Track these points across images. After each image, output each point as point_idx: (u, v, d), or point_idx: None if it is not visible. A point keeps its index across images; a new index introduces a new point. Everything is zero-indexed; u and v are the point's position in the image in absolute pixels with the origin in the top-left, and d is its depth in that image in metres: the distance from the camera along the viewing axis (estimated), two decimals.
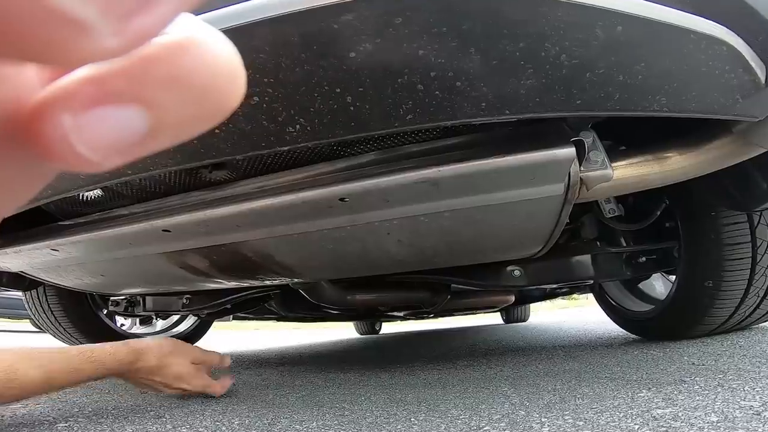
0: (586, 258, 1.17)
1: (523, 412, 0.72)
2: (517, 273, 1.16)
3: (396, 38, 0.40)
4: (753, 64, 0.47)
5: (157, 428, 0.76)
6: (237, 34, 0.40)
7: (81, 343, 1.36)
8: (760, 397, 0.67)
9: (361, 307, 1.35)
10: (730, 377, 0.83)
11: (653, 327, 1.39)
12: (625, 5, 0.38)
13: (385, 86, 0.45)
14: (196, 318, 2.15)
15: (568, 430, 0.61)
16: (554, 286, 1.67)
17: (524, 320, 4.24)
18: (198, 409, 0.91)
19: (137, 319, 2.15)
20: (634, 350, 1.29)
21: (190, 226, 0.71)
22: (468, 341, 2.52)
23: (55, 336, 1.81)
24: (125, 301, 1.63)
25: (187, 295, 1.46)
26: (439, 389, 0.99)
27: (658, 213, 1.13)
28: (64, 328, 1.72)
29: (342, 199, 0.62)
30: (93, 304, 1.75)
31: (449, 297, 1.40)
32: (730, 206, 0.97)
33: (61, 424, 0.82)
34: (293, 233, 0.74)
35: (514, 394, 0.87)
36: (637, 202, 1.17)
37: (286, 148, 0.51)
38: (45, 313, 1.69)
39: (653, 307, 1.40)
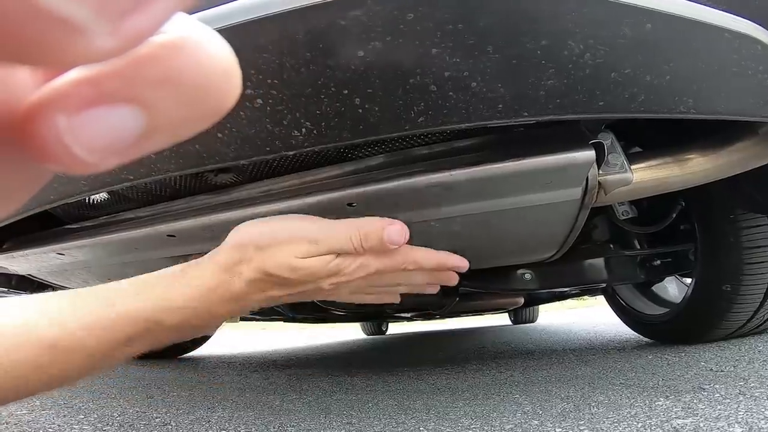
0: (599, 261, 1.15)
1: (536, 422, 0.70)
2: (527, 276, 1.13)
3: (408, 36, 0.38)
4: None
5: None
6: (238, 32, 0.38)
7: None
8: None
9: (368, 308, 1.33)
10: (752, 384, 0.80)
11: (667, 330, 1.37)
12: (657, 2, 0.35)
13: (396, 87, 0.42)
14: None
15: None
16: (565, 289, 1.64)
17: (533, 321, 4.20)
18: (204, 416, 0.89)
19: None
20: (648, 354, 1.26)
21: (195, 231, 0.70)
22: (476, 343, 2.50)
23: None
24: None
25: None
26: (448, 395, 0.97)
27: (674, 215, 1.10)
28: None
29: (350, 204, 0.60)
30: None
31: (458, 299, 1.38)
32: (751, 209, 0.94)
33: None
34: None
35: (525, 402, 0.84)
36: (652, 204, 1.14)
37: (291, 153, 0.48)
38: None
39: (667, 310, 1.38)
